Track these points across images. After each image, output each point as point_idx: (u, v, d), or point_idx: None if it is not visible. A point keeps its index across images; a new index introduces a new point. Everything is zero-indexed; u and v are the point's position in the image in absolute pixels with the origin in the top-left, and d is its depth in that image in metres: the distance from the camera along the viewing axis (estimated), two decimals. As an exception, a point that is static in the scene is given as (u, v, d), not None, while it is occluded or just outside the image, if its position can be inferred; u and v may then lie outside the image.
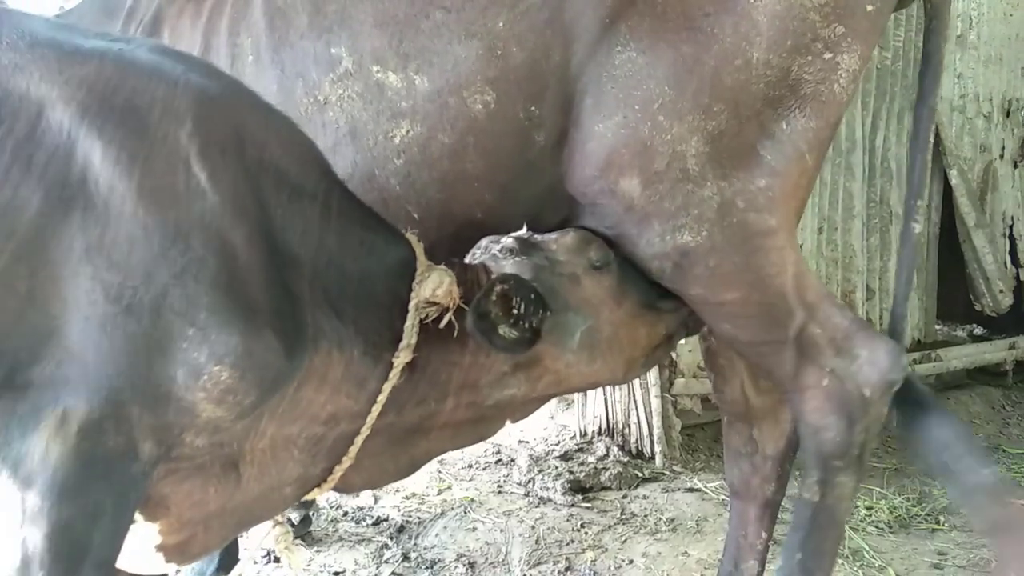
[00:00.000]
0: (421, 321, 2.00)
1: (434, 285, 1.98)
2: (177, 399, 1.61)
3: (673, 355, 4.90)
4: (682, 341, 4.66)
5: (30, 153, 1.54)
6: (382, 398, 1.99)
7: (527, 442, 5.13)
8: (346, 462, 2.06)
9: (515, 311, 1.99)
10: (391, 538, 4.00)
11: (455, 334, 2.02)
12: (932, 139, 2.55)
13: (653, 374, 4.84)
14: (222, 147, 1.74)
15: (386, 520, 4.18)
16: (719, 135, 2.15)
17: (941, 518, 4.18)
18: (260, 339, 1.65)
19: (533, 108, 2.24)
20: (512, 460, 4.85)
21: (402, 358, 1.98)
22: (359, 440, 2.04)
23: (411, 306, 2.00)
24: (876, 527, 4.04)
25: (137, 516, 1.74)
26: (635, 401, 4.93)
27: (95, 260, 1.55)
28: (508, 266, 2.14)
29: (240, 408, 1.68)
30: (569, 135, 2.27)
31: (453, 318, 2.00)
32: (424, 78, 2.27)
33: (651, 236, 2.24)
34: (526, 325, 2.01)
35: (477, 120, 2.25)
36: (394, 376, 1.98)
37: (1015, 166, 6.55)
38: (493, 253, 2.20)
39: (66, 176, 1.56)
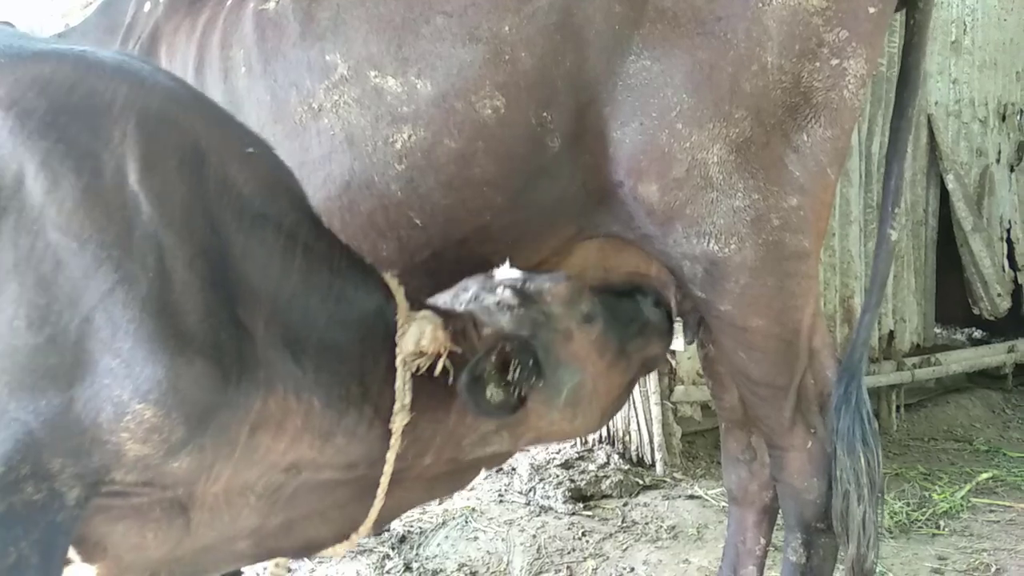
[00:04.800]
0: (412, 375, 1.89)
1: (416, 336, 1.87)
2: (101, 441, 1.49)
3: (672, 362, 4.91)
4: (681, 348, 4.70)
5: None
6: (388, 468, 1.89)
7: (528, 451, 5.14)
8: (363, 530, 1.97)
9: (510, 376, 1.91)
10: (393, 548, 4.01)
11: (449, 381, 1.91)
12: (910, 149, 2.56)
13: (653, 381, 4.85)
14: (180, 158, 1.61)
15: (387, 530, 4.17)
16: (745, 144, 2.15)
17: (941, 523, 4.18)
18: (188, 372, 1.52)
19: (545, 113, 2.23)
20: (513, 469, 4.85)
21: (399, 421, 1.87)
22: (377, 505, 1.94)
23: (398, 362, 1.88)
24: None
25: (75, 556, 1.64)
26: (635, 409, 4.93)
27: (23, 276, 1.43)
28: (505, 322, 2.03)
29: (168, 445, 1.55)
30: (586, 141, 2.26)
31: (448, 363, 1.89)
32: (427, 82, 2.25)
33: (676, 236, 2.25)
34: (515, 391, 1.93)
35: (487, 125, 2.24)
36: (395, 443, 1.87)
37: (1011, 170, 6.56)
38: (487, 306, 2.08)
39: (1, 181, 1.44)
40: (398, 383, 1.88)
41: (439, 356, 1.89)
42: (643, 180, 2.23)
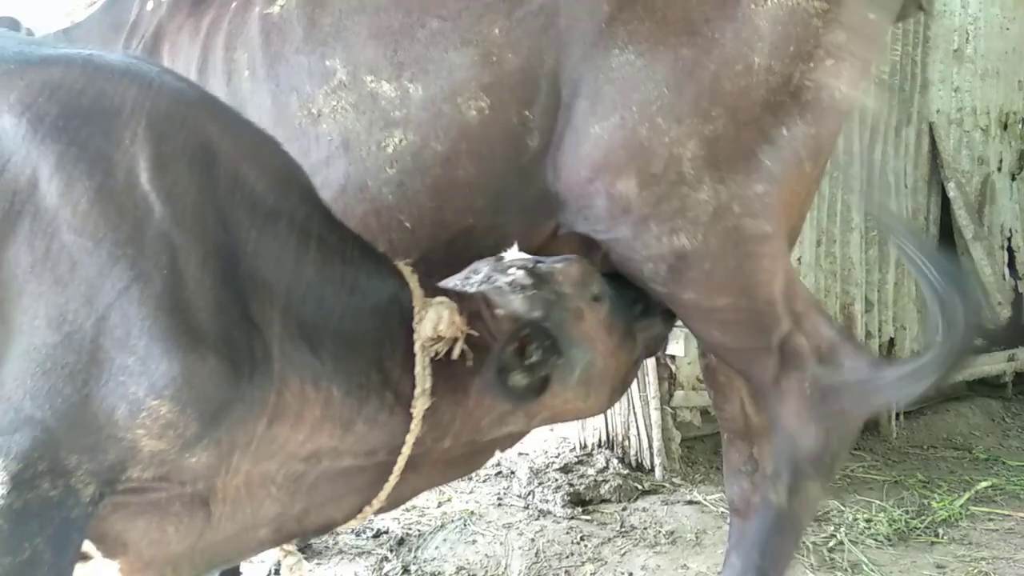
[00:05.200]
0: (432, 360, 1.92)
1: (434, 321, 1.90)
2: (117, 438, 1.52)
3: (672, 367, 4.91)
4: (681, 353, 4.70)
5: None
6: (407, 450, 1.91)
7: (527, 454, 5.13)
8: (376, 504, 1.99)
9: (530, 360, 1.94)
10: (391, 551, 4.00)
11: (467, 364, 1.95)
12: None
13: (652, 386, 4.85)
14: (190, 158, 1.64)
15: (386, 533, 4.17)
16: (716, 139, 2.16)
17: (940, 531, 4.17)
18: (202, 369, 1.55)
19: (527, 113, 2.26)
20: (512, 472, 4.85)
21: (420, 406, 1.90)
22: (388, 487, 1.96)
23: (416, 348, 1.91)
24: (875, 540, 4.04)
25: (95, 552, 1.67)
26: (635, 413, 4.93)
27: (40, 277, 1.47)
28: (518, 302, 2.06)
29: (183, 440, 1.58)
30: (563, 138, 2.27)
31: (465, 346, 1.93)
32: (418, 86, 2.27)
33: (647, 238, 2.25)
34: (539, 374, 1.96)
35: (471, 126, 2.26)
36: (415, 427, 1.90)
37: (1013, 179, 6.57)
38: (499, 285, 2.11)
39: (16, 184, 1.48)
40: (418, 368, 1.91)
41: (456, 340, 1.92)
42: (622, 175, 2.23)
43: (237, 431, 1.68)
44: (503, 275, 2.15)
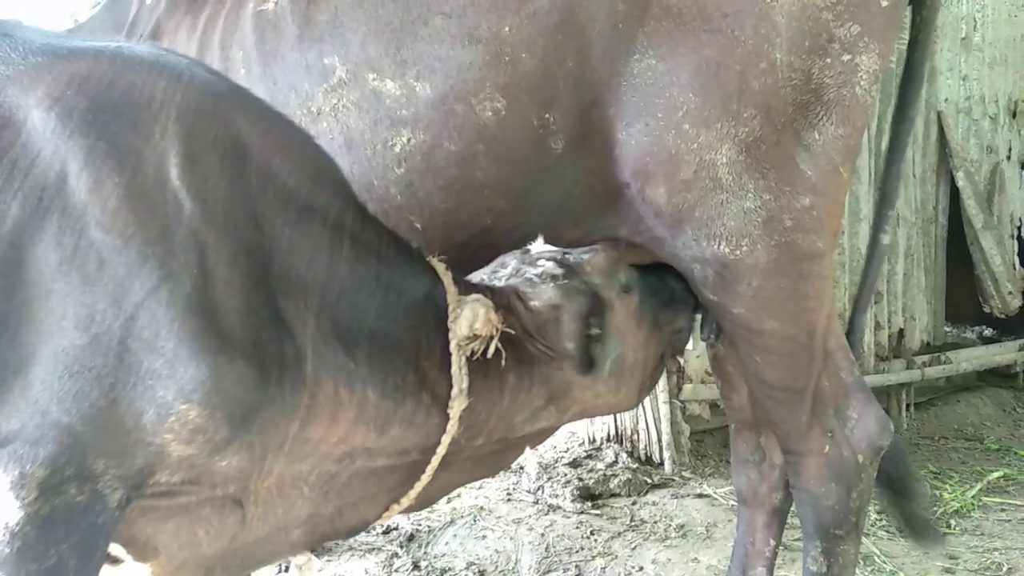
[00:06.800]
0: (467, 359, 1.89)
1: (470, 320, 1.86)
2: (145, 443, 1.48)
3: (680, 360, 4.89)
4: (689, 346, 4.69)
5: (13, 159, 1.44)
6: (441, 450, 1.88)
7: (536, 449, 5.13)
8: (405, 502, 1.97)
9: (589, 332, 1.93)
10: (401, 547, 4.01)
11: (503, 363, 1.91)
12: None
13: (661, 380, 4.83)
14: (222, 152, 1.60)
15: (396, 529, 4.18)
16: (755, 143, 2.11)
17: (952, 522, 4.16)
18: (231, 372, 1.50)
19: (548, 115, 2.21)
20: (521, 467, 4.84)
21: (457, 407, 1.87)
22: (419, 485, 1.94)
23: (452, 347, 1.87)
24: (887, 531, 4.03)
25: (126, 556, 1.65)
26: (643, 407, 4.92)
27: (68, 275, 1.42)
28: (550, 292, 2.02)
29: (212, 444, 1.54)
30: (591, 143, 2.24)
31: (500, 346, 1.89)
32: (426, 85, 2.23)
33: (686, 239, 2.22)
34: (590, 351, 1.95)
35: (487, 127, 2.21)
36: (452, 427, 1.87)
37: (1022, 167, 6.52)
38: (529, 277, 2.07)
39: (45, 180, 1.44)
40: (454, 368, 1.88)
41: (492, 338, 1.89)
42: (650, 182, 2.20)
43: (268, 434, 1.63)
44: (532, 267, 2.11)
